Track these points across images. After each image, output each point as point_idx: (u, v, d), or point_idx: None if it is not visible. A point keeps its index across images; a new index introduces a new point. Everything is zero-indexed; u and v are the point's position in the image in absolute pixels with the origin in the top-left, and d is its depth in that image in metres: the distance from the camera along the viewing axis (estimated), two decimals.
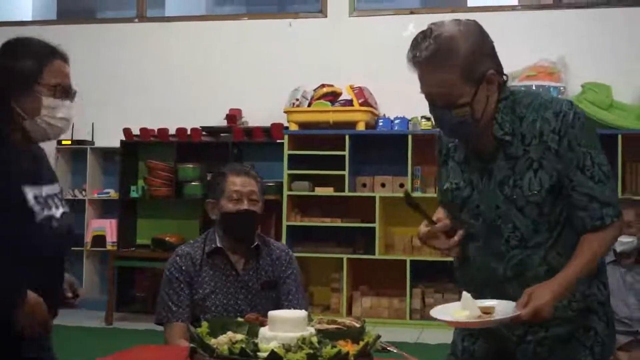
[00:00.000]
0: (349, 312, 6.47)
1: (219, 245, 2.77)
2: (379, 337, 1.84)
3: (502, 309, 1.85)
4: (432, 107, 1.95)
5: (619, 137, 6.06)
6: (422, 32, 1.91)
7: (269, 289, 2.77)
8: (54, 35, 8.10)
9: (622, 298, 4.55)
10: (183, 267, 2.75)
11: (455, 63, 1.86)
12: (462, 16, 7.14)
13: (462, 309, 1.87)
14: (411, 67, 1.91)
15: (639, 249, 4.59)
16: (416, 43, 1.90)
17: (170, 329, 2.70)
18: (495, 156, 1.97)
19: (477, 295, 2.04)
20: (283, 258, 2.82)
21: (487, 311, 1.86)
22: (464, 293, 1.88)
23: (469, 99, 1.88)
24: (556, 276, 1.88)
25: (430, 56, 1.86)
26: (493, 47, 1.94)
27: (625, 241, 4.53)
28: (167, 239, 6.55)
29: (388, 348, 1.99)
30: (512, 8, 7.05)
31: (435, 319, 1.90)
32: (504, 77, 1.97)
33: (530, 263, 1.95)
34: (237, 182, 2.75)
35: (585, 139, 1.93)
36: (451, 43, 1.86)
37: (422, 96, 1.95)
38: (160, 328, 2.77)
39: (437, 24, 1.91)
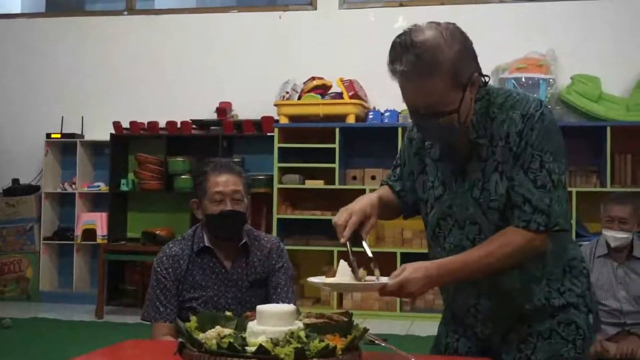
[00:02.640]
0: (340, 305, 6.48)
1: (207, 244, 2.72)
2: (366, 330, 1.83)
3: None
4: (416, 115, 1.88)
5: (608, 129, 6.08)
6: (401, 41, 1.81)
7: (258, 286, 2.73)
8: (43, 28, 8.10)
9: (612, 292, 4.56)
10: (170, 269, 2.71)
11: (442, 72, 1.77)
12: (452, 9, 7.16)
13: (338, 276, 1.87)
14: (392, 78, 1.83)
15: (631, 244, 4.61)
16: (396, 54, 1.80)
17: (156, 328, 2.69)
18: (469, 158, 1.94)
19: (455, 295, 2.08)
20: (274, 252, 2.77)
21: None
22: (341, 262, 1.87)
23: (456, 105, 1.82)
24: (441, 260, 1.88)
25: (415, 68, 1.77)
26: (474, 49, 1.87)
27: (619, 237, 4.53)
28: (157, 232, 6.54)
29: (376, 341, 1.97)
30: (502, 0, 7.05)
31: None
32: (487, 77, 1.91)
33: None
34: (219, 182, 2.67)
35: (541, 142, 1.86)
36: (436, 52, 1.77)
37: None
38: (149, 322, 2.78)
39: (415, 31, 1.81)
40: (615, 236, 4.55)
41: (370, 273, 1.91)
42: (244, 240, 2.74)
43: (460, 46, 1.80)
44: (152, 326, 2.73)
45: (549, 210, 1.85)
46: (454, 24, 1.86)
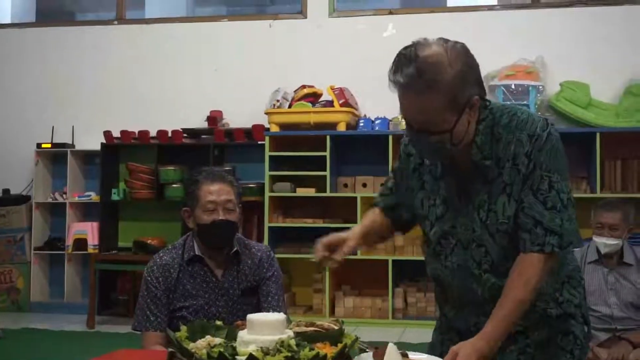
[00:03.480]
0: (332, 313, 6.47)
1: (197, 253, 2.72)
2: (357, 338, 1.84)
3: None
4: (410, 129, 1.86)
5: (597, 135, 6.10)
6: (406, 53, 1.79)
7: (249, 295, 2.73)
8: (33, 39, 8.10)
9: (603, 297, 4.58)
10: (161, 279, 2.71)
11: (440, 91, 1.75)
12: (441, 16, 7.19)
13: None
14: (392, 88, 1.81)
15: (622, 250, 4.63)
16: (399, 65, 1.78)
17: (147, 338, 2.69)
18: (473, 178, 1.92)
19: (457, 313, 2.06)
20: (264, 260, 2.77)
21: None
22: (390, 345, 1.80)
23: (450, 126, 1.79)
24: (483, 332, 1.82)
25: (413, 82, 1.75)
26: (479, 72, 1.84)
27: (610, 243, 4.54)
28: (148, 241, 6.52)
29: (367, 349, 1.96)
30: (491, 8, 7.08)
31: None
32: (487, 102, 1.89)
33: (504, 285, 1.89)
34: (212, 191, 2.67)
35: (550, 162, 1.86)
36: (436, 69, 1.75)
37: None
38: (140, 332, 2.77)
39: (422, 44, 1.79)
40: (605, 242, 4.56)
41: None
42: (235, 249, 2.74)
43: (462, 67, 1.78)
44: (142, 336, 2.73)
45: (561, 231, 1.85)
46: (462, 44, 1.83)
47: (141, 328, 2.71)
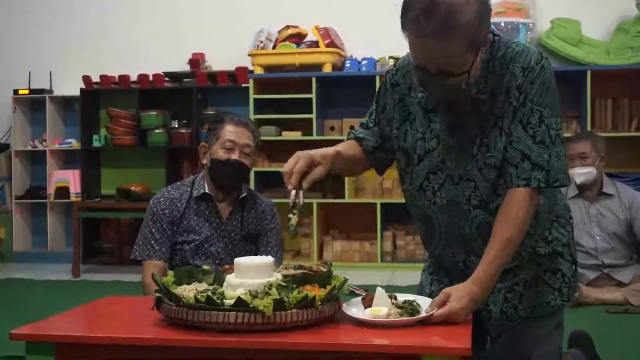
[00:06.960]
0: (320, 257, 6.45)
1: (207, 191, 2.79)
2: (346, 280, 1.81)
3: (421, 305, 1.77)
4: (424, 73, 1.78)
5: (588, 73, 6.02)
6: None
7: (249, 241, 2.82)
8: None
9: (587, 230, 4.62)
10: (167, 211, 2.77)
11: (461, 34, 1.68)
12: None
13: (376, 305, 1.76)
14: (403, 31, 1.73)
15: (601, 181, 4.65)
16: (411, 8, 1.70)
17: (149, 266, 2.72)
18: (467, 113, 1.88)
19: (443, 251, 2.03)
20: (268, 212, 2.88)
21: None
22: (378, 289, 1.78)
23: (468, 67, 1.75)
24: (476, 277, 1.78)
25: (433, 30, 1.67)
26: (490, 6, 1.78)
27: (583, 172, 4.57)
28: (132, 188, 6.41)
29: (356, 291, 1.98)
30: None
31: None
32: (497, 36, 1.85)
33: (493, 224, 1.86)
34: (234, 131, 2.76)
35: (541, 96, 1.83)
36: (455, 10, 1.66)
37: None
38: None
39: None
40: (578, 172, 4.59)
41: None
42: (244, 194, 2.83)
43: (479, 6, 1.71)
44: (144, 265, 2.76)
45: (548, 166, 1.82)
46: None
47: (144, 256, 2.76)
